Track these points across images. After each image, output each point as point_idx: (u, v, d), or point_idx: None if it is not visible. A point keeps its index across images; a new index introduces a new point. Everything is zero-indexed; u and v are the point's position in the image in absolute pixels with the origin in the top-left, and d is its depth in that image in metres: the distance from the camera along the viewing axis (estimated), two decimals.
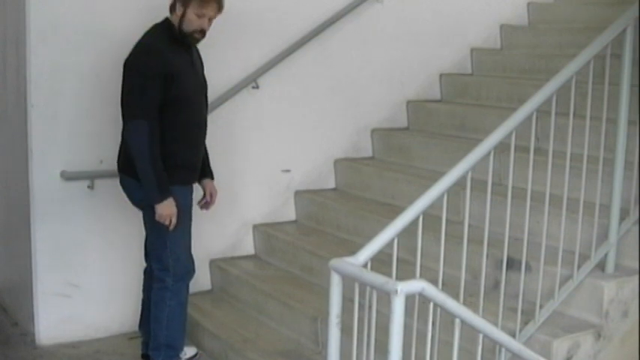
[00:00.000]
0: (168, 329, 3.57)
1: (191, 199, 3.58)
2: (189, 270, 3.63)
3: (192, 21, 3.45)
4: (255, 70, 4.40)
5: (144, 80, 3.35)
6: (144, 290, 3.78)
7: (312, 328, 3.66)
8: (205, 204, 3.75)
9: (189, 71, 3.50)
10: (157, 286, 3.56)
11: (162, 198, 3.37)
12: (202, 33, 3.51)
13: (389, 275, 2.37)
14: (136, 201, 3.54)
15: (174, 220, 3.40)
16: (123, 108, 3.44)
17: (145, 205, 3.47)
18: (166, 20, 3.52)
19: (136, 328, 4.11)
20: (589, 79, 3.15)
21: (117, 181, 3.77)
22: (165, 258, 3.52)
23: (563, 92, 3.07)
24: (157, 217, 3.39)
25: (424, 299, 2.31)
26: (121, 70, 3.88)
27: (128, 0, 4.05)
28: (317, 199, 4.66)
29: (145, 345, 3.74)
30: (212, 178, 3.77)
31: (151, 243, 3.59)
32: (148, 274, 3.72)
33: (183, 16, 3.45)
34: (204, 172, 3.72)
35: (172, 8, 3.50)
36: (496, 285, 3.24)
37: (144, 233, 3.79)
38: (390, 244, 2.61)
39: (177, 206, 3.41)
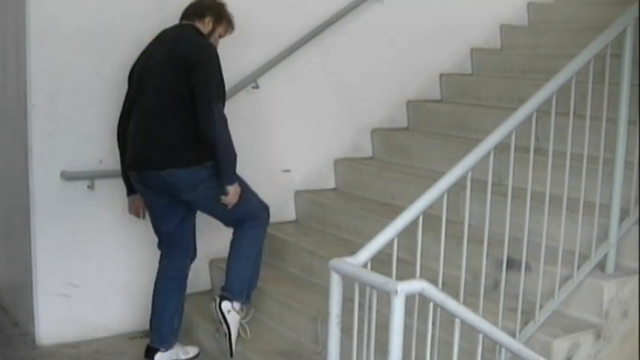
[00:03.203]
0: (255, 262, 3.76)
1: None
2: (266, 204, 3.82)
3: (216, 39, 3.74)
4: (255, 70, 4.40)
5: (219, 67, 3.52)
6: (158, 283, 3.76)
7: (312, 328, 3.66)
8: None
9: None
10: (251, 224, 3.71)
11: (236, 178, 3.55)
12: None
13: (389, 275, 2.37)
14: (189, 188, 3.53)
15: (236, 201, 3.56)
16: (172, 98, 3.49)
17: (197, 190, 3.54)
18: (195, 27, 3.68)
19: (137, 327, 4.13)
20: (589, 79, 3.15)
21: (117, 181, 3.78)
22: (250, 209, 3.69)
23: (563, 92, 3.07)
24: (230, 196, 3.51)
25: (424, 299, 2.31)
26: (121, 69, 3.89)
27: (128, 0, 4.05)
28: (317, 199, 4.66)
29: (157, 337, 3.74)
30: None
31: (232, 212, 3.63)
32: (165, 266, 3.75)
33: (212, 32, 3.71)
34: None
35: (200, 17, 3.70)
36: (496, 285, 3.24)
37: (144, 232, 3.80)
38: (390, 244, 2.61)
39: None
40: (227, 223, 3.76)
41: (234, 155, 3.51)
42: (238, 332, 3.68)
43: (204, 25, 3.69)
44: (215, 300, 3.67)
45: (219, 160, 3.47)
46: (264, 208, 3.80)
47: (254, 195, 3.76)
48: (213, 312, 3.66)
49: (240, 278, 3.70)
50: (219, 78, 3.50)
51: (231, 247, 3.75)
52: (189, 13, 3.72)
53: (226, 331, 3.63)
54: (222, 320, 3.63)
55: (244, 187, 3.66)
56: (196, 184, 3.52)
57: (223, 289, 3.71)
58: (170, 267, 3.75)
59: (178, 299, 3.75)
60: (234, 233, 3.76)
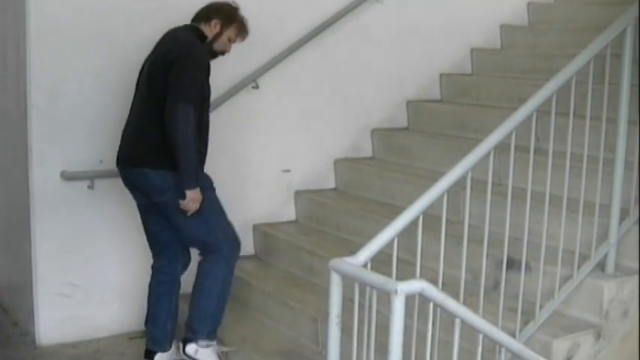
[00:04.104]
0: (219, 298, 3.61)
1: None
2: (238, 240, 3.69)
3: (224, 43, 3.67)
4: (255, 70, 4.40)
5: (197, 70, 3.43)
6: (150, 287, 3.75)
7: (312, 328, 3.66)
8: None
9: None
10: (212, 258, 3.58)
11: (196, 184, 3.42)
12: (222, 54, 3.69)
13: (389, 275, 2.37)
14: (158, 191, 3.48)
15: (196, 208, 3.45)
16: (156, 96, 3.43)
17: (165, 196, 3.46)
18: (198, 30, 3.63)
19: (136, 327, 4.12)
20: (589, 79, 3.15)
21: (117, 181, 3.77)
22: (214, 236, 3.57)
23: (563, 92, 3.07)
24: (186, 202, 3.41)
25: (424, 299, 2.31)
26: (121, 70, 3.89)
27: (128, 0, 4.05)
28: (317, 199, 4.66)
29: (152, 341, 3.73)
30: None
31: (193, 231, 3.55)
32: (156, 269, 3.74)
33: (219, 35, 3.63)
34: None
35: (206, 20, 3.63)
36: (496, 285, 3.24)
37: (144, 232, 3.79)
38: (390, 244, 2.61)
39: (205, 189, 3.52)
40: (187, 242, 3.66)
41: (194, 160, 3.39)
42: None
43: (211, 28, 3.63)
44: (179, 347, 3.66)
45: (178, 162, 3.36)
46: (230, 242, 3.63)
47: (225, 225, 3.63)
48: (183, 357, 3.65)
49: (201, 315, 3.62)
50: (195, 80, 3.40)
51: (195, 281, 3.65)
52: (197, 16, 3.68)
53: None
54: None
55: (217, 214, 3.57)
56: (164, 189, 3.45)
57: (186, 326, 3.65)
58: (160, 270, 3.72)
59: (170, 303, 3.72)
60: (199, 264, 3.66)
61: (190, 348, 3.61)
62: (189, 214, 3.48)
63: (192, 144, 3.37)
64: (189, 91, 3.37)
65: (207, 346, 3.61)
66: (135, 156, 3.53)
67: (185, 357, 3.63)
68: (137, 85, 3.66)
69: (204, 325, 3.61)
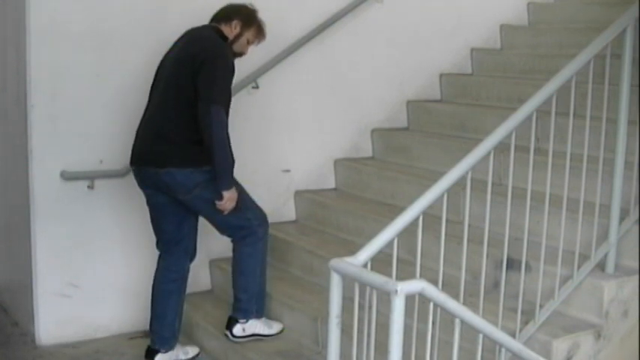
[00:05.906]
0: (261, 275, 3.76)
1: None
2: (265, 215, 3.77)
3: (243, 44, 3.71)
4: (255, 70, 4.40)
5: (227, 72, 3.49)
6: (157, 286, 3.74)
7: (312, 328, 3.66)
8: None
9: None
10: (249, 241, 3.67)
11: (233, 183, 3.50)
12: (240, 56, 3.72)
13: (389, 275, 2.37)
14: (184, 189, 3.50)
15: (232, 207, 3.52)
16: (181, 96, 3.46)
17: (193, 193, 3.50)
18: (220, 30, 3.65)
19: (136, 327, 4.13)
20: (589, 79, 3.15)
21: (117, 181, 3.78)
22: (246, 219, 3.65)
23: (563, 92, 3.07)
24: (224, 202, 3.48)
25: (424, 299, 2.31)
26: (121, 70, 3.89)
27: (128, 1, 4.05)
28: (317, 199, 4.66)
29: (158, 339, 3.72)
30: None
31: (227, 219, 3.60)
32: (164, 267, 3.73)
33: (239, 36, 3.67)
34: None
35: (226, 21, 3.66)
36: (496, 285, 3.25)
37: (145, 232, 3.80)
38: (390, 244, 2.61)
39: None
40: (222, 231, 3.73)
41: (232, 160, 3.47)
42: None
43: (231, 29, 3.65)
44: (227, 335, 3.71)
45: (215, 164, 3.42)
46: (262, 222, 3.74)
47: (252, 205, 3.71)
48: (232, 341, 3.71)
49: (247, 296, 3.71)
50: (224, 82, 3.46)
51: (233, 266, 3.74)
52: (217, 16, 3.70)
53: (259, 337, 3.72)
54: (248, 338, 3.70)
55: (242, 196, 3.62)
56: (192, 186, 3.48)
57: (235, 310, 3.73)
58: (169, 268, 3.72)
59: (178, 301, 3.74)
60: (233, 250, 3.74)
61: (237, 330, 3.70)
62: (225, 213, 3.53)
63: (228, 145, 3.43)
64: (221, 93, 3.43)
65: (252, 320, 3.71)
66: (158, 155, 3.51)
67: (235, 340, 3.70)
68: (154, 83, 3.65)
69: (250, 305, 3.71)
